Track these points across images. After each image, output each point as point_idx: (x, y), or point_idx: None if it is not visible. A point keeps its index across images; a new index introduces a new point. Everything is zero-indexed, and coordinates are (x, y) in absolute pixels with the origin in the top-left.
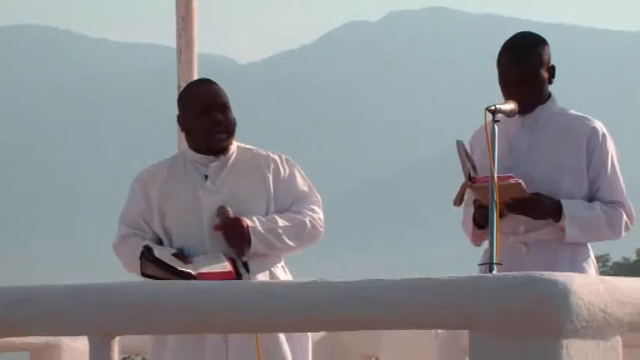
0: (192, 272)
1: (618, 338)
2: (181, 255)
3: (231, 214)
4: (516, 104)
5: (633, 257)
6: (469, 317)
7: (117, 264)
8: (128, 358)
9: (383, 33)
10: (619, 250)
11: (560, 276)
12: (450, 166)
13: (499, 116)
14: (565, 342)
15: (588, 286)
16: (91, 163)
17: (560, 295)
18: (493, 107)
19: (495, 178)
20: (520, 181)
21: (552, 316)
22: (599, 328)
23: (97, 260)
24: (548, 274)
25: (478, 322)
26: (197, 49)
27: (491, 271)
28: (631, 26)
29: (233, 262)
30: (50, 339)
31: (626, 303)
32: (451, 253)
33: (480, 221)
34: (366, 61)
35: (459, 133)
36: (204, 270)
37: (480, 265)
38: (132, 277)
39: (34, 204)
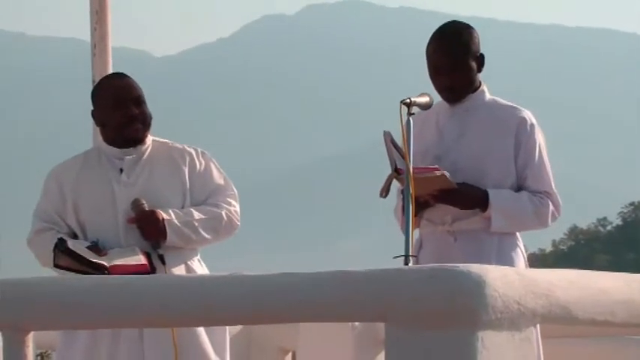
0: (106, 264)
1: (532, 329)
2: (96, 247)
3: (147, 207)
4: (431, 97)
5: (549, 249)
6: (384, 310)
7: (33, 260)
8: (45, 353)
9: (300, 25)
10: (535, 241)
11: (475, 268)
12: (368, 159)
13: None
14: (480, 334)
15: (503, 277)
16: (6, 157)
17: (475, 287)
18: (408, 100)
19: (412, 172)
20: (445, 172)
21: (467, 308)
22: (513, 320)
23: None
24: (463, 266)
25: (393, 315)
26: (111, 42)
27: (406, 263)
28: (544, 19)
29: (148, 255)
30: None
31: (541, 294)
32: (368, 246)
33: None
34: (283, 53)
35: (377, 125)
36: (117, 262)
37: (395, 257)
38: (48, 271)
39: None
